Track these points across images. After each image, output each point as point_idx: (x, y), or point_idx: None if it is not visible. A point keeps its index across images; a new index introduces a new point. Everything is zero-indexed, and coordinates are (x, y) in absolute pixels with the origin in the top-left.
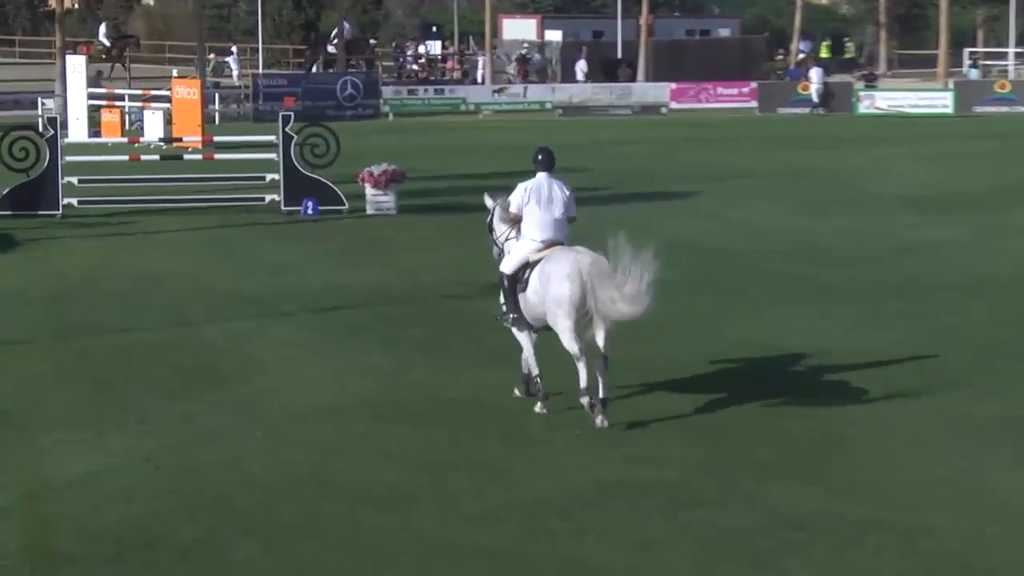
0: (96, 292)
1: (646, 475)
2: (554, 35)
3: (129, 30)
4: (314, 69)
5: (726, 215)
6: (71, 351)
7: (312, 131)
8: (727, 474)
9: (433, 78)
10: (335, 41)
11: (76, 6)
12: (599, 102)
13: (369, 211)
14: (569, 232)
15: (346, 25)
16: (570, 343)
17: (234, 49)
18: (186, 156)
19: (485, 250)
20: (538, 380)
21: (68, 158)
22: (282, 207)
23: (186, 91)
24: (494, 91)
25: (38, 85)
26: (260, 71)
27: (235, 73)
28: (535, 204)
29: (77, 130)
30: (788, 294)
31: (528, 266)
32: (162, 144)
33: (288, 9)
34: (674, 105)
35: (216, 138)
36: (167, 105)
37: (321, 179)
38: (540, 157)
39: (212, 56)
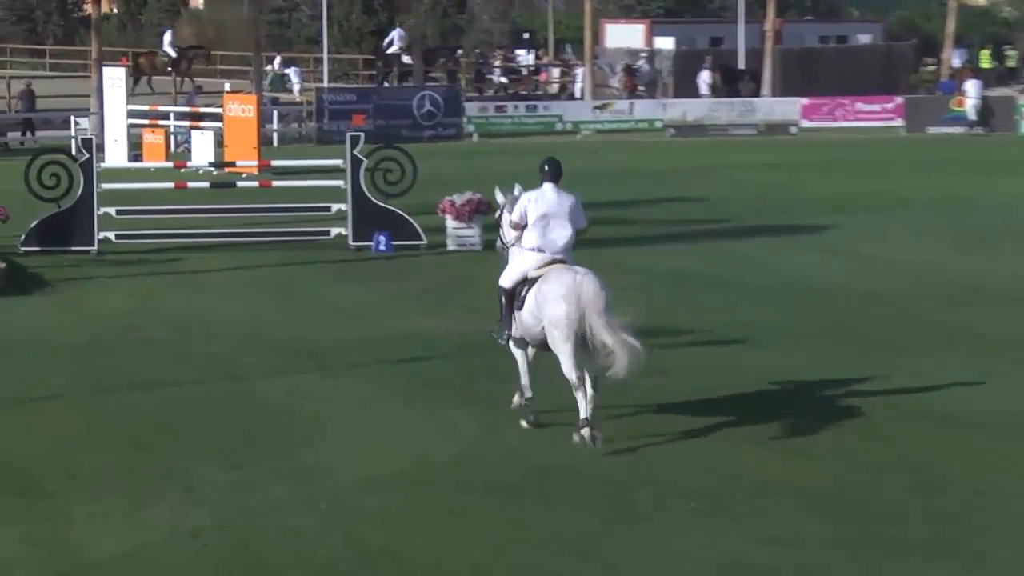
0: (136, 340)
1: (774, 557)
2: (665, 42)
3: (176, 39)
4: (387, 83)
5: (866, 251)
6: (107, 408)
7: (385, 154)
8: (869, 556)
9: (524, 92)
10: (389, 50)
11: (115, 11)
12: (718, 120)
13: (450, 247)
14: (573, 245)
15: (400, 32)
16: (569, 370)
17: (278, 60)
18: (240, 183)
19: None
20: (528, 402)
21: (105, 186)
22: (350, 242)
23: (240, 108)
24: (595, 107)
25: (71, 101)
26: (325, 85)
27: (296, 87)
28: (539, 215)
29: (115, 153)
30: (941, 345)
31: (526, 283)
32: (212, 169)
33: (357, 14)
34: (805, 123)
35: (274, 162)
36: (218, 124)
37: (395, 210)
38: (547, 167)
39: (270, 68)
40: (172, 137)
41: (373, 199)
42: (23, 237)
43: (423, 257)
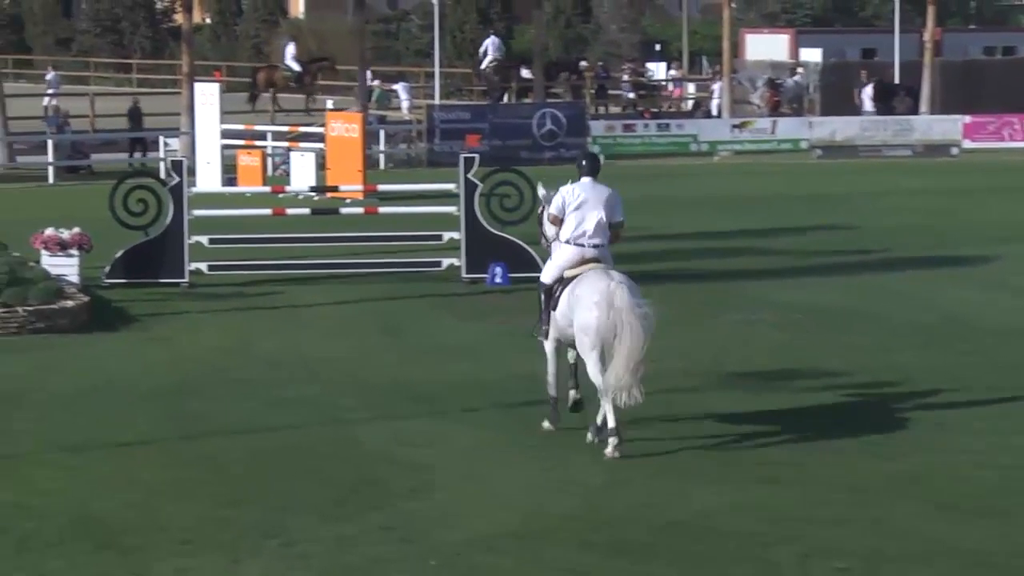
0: (229, 381)
1: None
2: (812, 54)
3: (273, 49)
4: (505, 99)
5: None
6: (197, 456)
7: (502, 178)
8: None
9: (655, 109)
10: (484, 62)
11: (207, 21)
12: (870, 140)
13: None
14: (610, 238)
15: (495, 40)
16: (595, 375)
17: (369, 76)
18: (343, 210)
19: (725, 332)
20: (554, 403)
21: (196, 212)
22: (463, 274)
23: (343, 127)
24: (733, 126)
25: (159, 120)
26: (436, 102)
27: (405, 105)
28: (575, 209)
29: (208, 177)
30: None
31: (562, 282)
32: (313, 195)
33: (472, 24)
34: (968, 144)
35: (381, 187)
36: (319, 145)
37: (513, 239)
38: (584, 162)
39: (376, 83)
40: (269, 159)
41: (489, 227)
42: (108, 268)
43: None
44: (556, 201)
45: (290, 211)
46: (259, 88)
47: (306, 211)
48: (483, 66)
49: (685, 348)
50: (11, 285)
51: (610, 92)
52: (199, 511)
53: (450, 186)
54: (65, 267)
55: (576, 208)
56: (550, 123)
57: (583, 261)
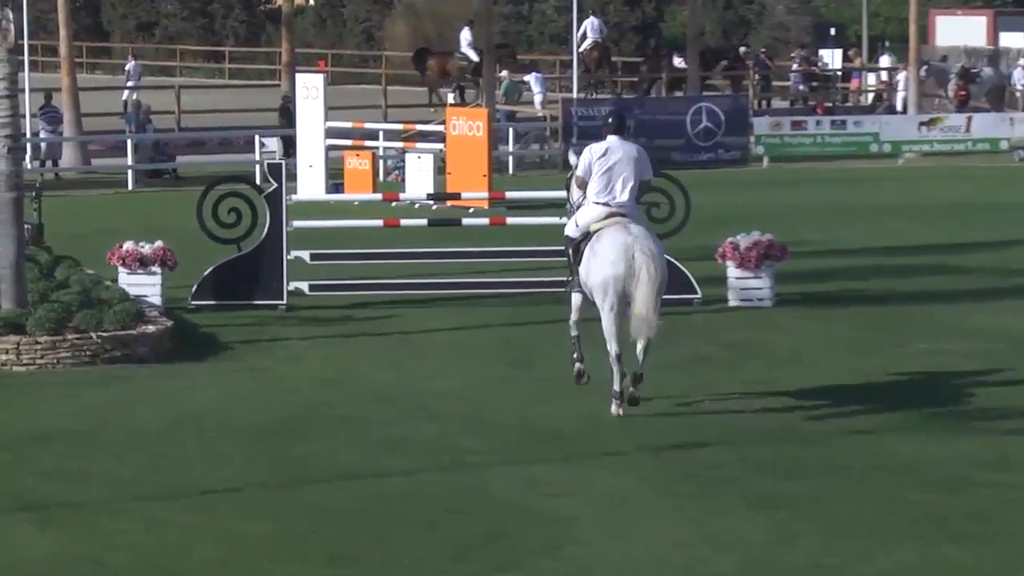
0: (333, 420)
1: None
2: (1014, 39)
3: (387, 35)
4: (653, 92)
5: None
6: (297, 505)
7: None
8: None
9: (829, 104)
10: (583, 45)
11: (311, 2)
12: None
13: (733, 302)
14: (639, 199)
15: (594, 21)
16: (609, 334)
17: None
18: (465, 220)
19: (908, 364)
20: (576, 343)
21: (297, 223)
22: None
23: (466, 125)
24: (921, 124)
25: (255, 117)
26: (574, 95)
27: (538, 98)
28: (601, 167)
29: (310, 183)
30: None
31: (588, 237)
32: (431, 203)
33: (616, 5)
34: None
35: (509, 194)
36: (439, 146)
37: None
38: (610, 120)
39: (505, 74)
40: (381, 162)
41: None
42: (194, 288)
43: (697, 315)
44: (583, 161)
45: (404, 222)
46: (432, 79)
47: (423, 222)
48: (581, 49)
49: (861, 382)
50: (84, 307)
51: (776, 84)
52: (299, 570)
53: None
54: (146, 287)
55: (604, 169)
56: (706, 120)
57: (608, 216)
